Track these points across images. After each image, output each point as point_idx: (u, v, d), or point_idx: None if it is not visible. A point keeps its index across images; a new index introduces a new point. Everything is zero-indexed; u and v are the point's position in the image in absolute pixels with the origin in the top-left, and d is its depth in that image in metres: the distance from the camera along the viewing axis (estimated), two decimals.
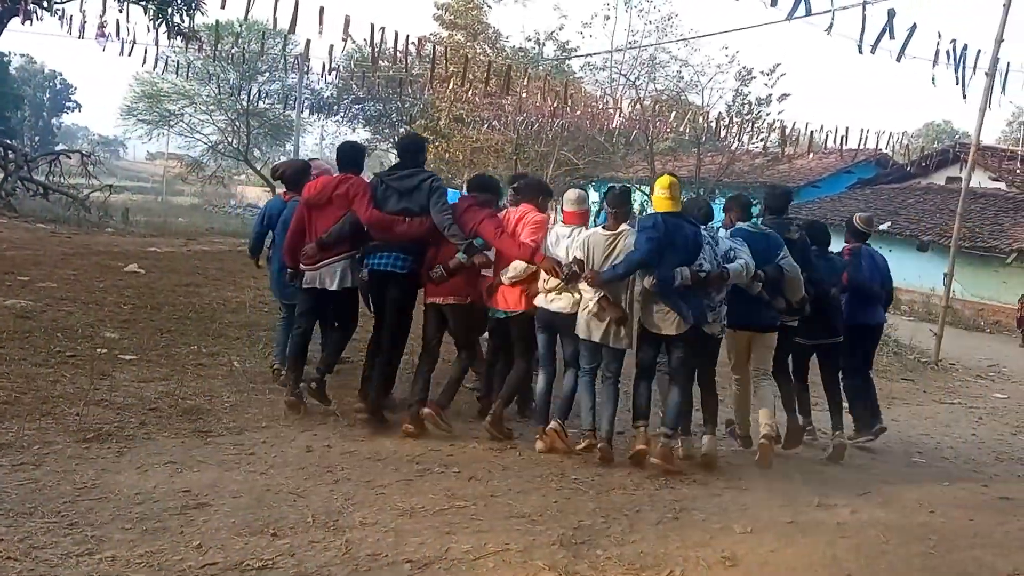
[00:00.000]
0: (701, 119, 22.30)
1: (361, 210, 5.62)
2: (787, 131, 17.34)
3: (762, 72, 26.98)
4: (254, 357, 7.14)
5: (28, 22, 16.39)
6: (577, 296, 5.51)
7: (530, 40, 35.38)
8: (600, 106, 19.70)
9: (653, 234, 5.31)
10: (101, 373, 6.06)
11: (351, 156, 6.04)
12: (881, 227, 22.34)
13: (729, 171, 27.29)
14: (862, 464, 6.43)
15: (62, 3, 16.94)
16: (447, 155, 34.02)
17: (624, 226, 5.55)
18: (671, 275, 5.25)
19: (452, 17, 35.97)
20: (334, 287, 5.73)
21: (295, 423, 5.57)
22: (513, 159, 28.37)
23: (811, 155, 22.12)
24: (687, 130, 22.86)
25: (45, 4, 16.21)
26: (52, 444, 4.65)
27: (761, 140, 21.04)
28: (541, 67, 30.04)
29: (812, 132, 17.05)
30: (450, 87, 21.27)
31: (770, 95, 26.82)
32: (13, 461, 4.35)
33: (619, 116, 21.17)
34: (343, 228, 5.68)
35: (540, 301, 5.66)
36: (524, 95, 20.05)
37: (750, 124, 21.96)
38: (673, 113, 22.15)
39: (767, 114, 24.75)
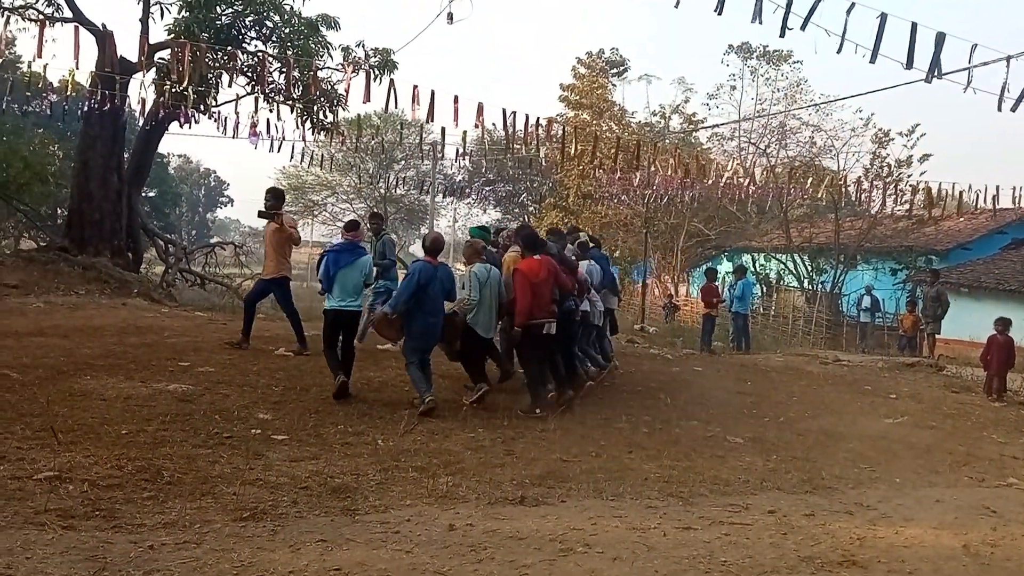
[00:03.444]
0: (839, 183, 21.66)
1: (566, 281, 8.73)
2: (932, 192, 16.58)
3: (900, 133, 26.19)
4: (397, 435, 7.29)
5: (187, 125, 17.89)
6: None
7: (655, 115, 35.68)
8: (731, 175, 19.48)
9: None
10: (256, 453, 6.33)
11: (541, 243, 8.90)
12: None
13: (871, 235, 26.33)
14: None
15: (218, 107, 18.39)
16: None
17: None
18: None
19: (577, 97, 36.78)
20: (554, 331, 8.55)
21: (437, 502, 5.62)
22: (643, 232, 28.36)
23: (960, 216, 21.05)
24: (823, 195, 22.24)
25: (202, 108, 17.59)
26: (211, 523, 4.86)
27: (905, 203, 20.18)
28: (667, 140, 30.12)
29: (960, 192, 16.22)
30: (578, 165, 21.63)
31: (910, 156, 25.92)
32: (176, 540, 4.56)
33: (750, 184, 20.87)
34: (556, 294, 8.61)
35: None
36: (652, 169, 20.09)
37: (890, 187, 21.17)
38: (809, 179, 21.64)
39: (908, 176, 23.89)
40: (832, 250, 26.54)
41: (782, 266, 28.75)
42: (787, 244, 27.86)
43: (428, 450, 6.92)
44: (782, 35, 8.16)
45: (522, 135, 13.03)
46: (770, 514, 5.88)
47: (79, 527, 4.62)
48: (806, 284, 27.47)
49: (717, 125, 32.02)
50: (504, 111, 12.28)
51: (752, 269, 26.92)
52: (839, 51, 8.30)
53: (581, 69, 37.86)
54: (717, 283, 18.40)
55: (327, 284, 8.62)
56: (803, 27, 8.02)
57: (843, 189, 22.13)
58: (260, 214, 10.68)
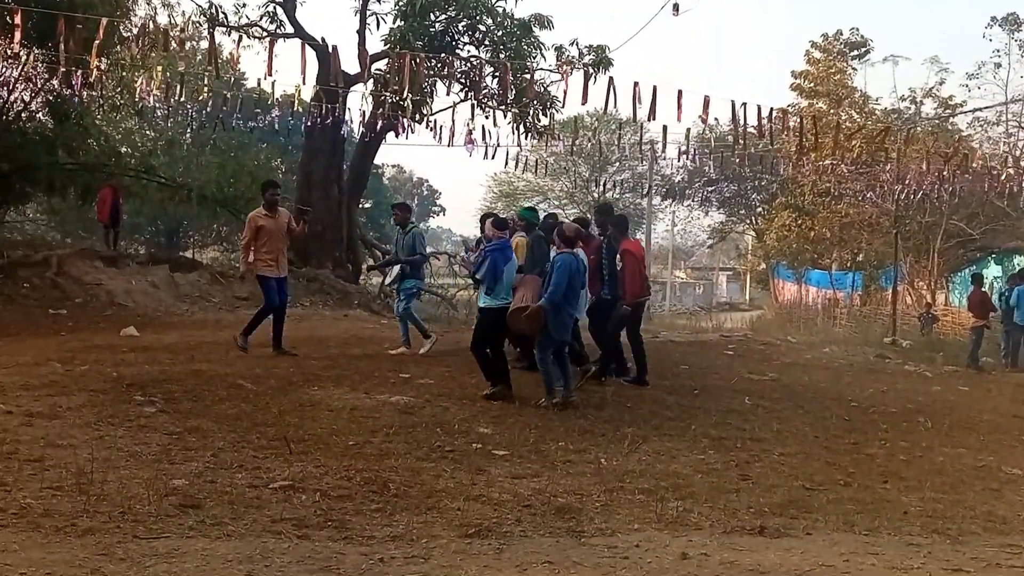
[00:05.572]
0: None
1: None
2: None
3: None
4: (620, 455, 7.30)
5: (404, 135, 18.88)
6: None
7: (904, 100, 33.53)
8: (999, 166, 17.94)
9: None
10: (478, 468, 6.56)
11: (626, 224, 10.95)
12: None
13: None
14: None
15: (433, 115, 19.27)
16: (812, 233, 32.90)
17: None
18: None
19: (812, 84, 35.31)
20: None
21: (667, 528, 5.57)
22: (892, 233, 26.72)
23: None
24: None
25: (418, 117, 18.51)
26: (438, 538, 5.08)
27: None
28: (919, 128, 28.20)
29: None
30: (815, 159, 20.75)
31: None
32: (405, 553, 4.81)
33: (1022, 175, 19.11)
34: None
35: None
36: (904, 161, 18.90)
37: None
38: None
39: None
40: None
41: None
42: None
43: (654, 471, 6.88)
44: None
45: (753, 129, 12.68)
46: None
47: (313, 536, 4.97)
48: None
49: (980, 109, 29.60)
50: (733, 104, 12.01)
51: None
52: None
53: (816, 53, 36.28)
54: (985, 289, 17.01)
55: (493, 282, 9.05)
56: None
57: None
58: (300, 210, 11.87)
